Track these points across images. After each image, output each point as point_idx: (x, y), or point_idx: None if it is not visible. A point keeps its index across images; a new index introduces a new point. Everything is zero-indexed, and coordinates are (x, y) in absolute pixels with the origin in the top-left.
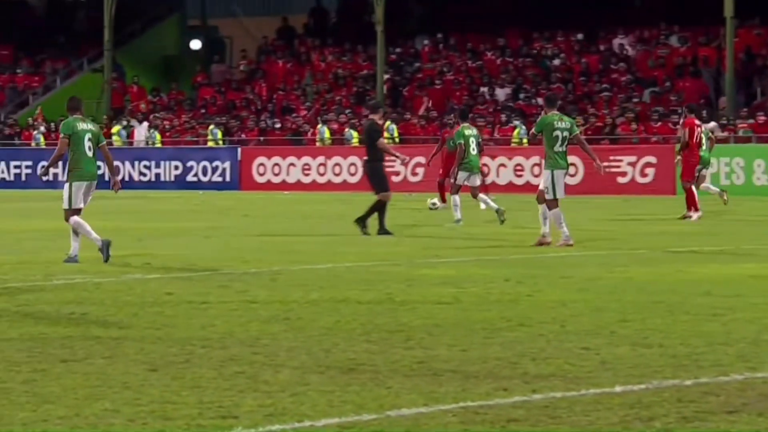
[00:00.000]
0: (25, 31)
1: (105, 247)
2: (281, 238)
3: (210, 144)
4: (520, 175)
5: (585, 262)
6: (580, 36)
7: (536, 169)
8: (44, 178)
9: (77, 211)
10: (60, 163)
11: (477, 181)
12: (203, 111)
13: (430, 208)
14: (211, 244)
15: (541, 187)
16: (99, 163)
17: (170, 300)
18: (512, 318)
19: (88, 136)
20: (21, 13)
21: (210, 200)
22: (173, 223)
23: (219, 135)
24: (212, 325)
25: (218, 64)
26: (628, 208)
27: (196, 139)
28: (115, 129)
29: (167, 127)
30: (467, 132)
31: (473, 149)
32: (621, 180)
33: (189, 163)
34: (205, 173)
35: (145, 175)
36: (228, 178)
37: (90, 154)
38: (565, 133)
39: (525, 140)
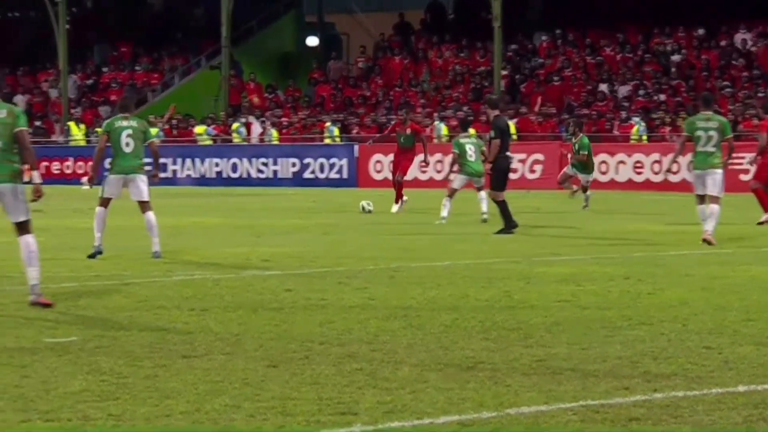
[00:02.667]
0: (144, 28)
1: (96, 252)
2: (399, 236)
3: (327, 141)
4: (640, 173)
5: (707, 260)
6: (701, 31)
7: (656, 166)
8: (89, 186)
9: (106, 201)
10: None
11: (482, 182)
12: (320, 108)
13: (361, 212)
14: (329, 241)
15: None
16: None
17: (289, 297)
18: (632, 316)
19: (127, 132)
20: (139, 10)
21: (327, 197)
22: (291, 220)
23: (336, 132)
24: (331, 322)
25: (335, 60)
26: (751, 206)
27: (312, 136)
28: (234, 126)
29: (284, 124)
30: (462, 140)
31: (470, 156)
32: (744, 177)
33: (306, 160)
34: (322, 170)
35: (262, 172)
36: (345, 175)
37: (128, 150)
38: (711, 133)
39: (645, 137)
